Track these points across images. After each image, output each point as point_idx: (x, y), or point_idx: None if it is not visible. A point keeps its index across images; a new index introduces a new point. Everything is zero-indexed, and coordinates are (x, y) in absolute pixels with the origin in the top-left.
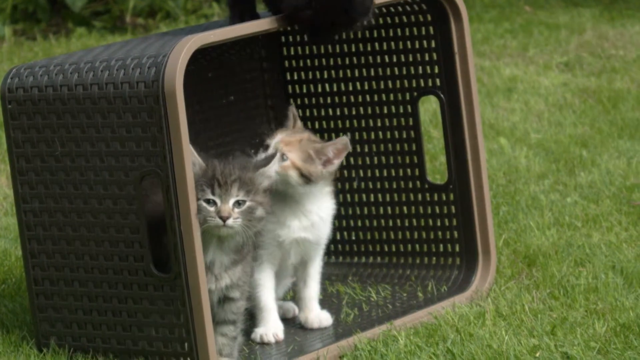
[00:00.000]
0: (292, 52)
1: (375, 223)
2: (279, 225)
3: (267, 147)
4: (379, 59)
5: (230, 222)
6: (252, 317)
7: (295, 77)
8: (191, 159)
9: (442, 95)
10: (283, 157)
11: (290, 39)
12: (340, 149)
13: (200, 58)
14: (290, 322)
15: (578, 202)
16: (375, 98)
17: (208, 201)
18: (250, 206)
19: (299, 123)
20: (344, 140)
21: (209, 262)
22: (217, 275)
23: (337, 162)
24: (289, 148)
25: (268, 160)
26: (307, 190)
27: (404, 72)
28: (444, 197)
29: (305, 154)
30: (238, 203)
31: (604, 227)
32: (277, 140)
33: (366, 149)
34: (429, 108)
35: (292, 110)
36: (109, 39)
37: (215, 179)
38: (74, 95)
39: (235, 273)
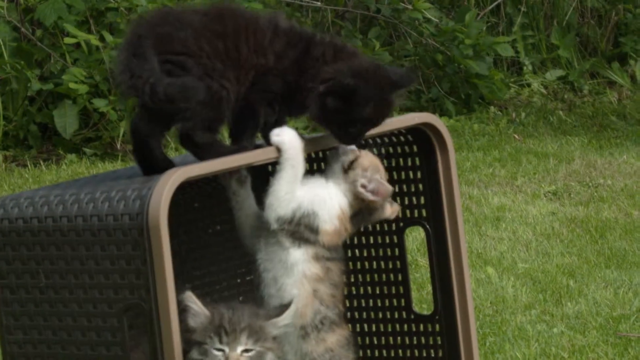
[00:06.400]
0: None
1: (361, 353)
2: None
3: None
4: None
5: None
6: None
7: None
8: (193, 308)
9: (427, 226)
10: None
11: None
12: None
13: (188, 187)
14: None
15: (565, 333)
16: (362, 228)
17: (217, 349)
18: (260, 351)
19: None
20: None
21: None
22: None
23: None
24: None
25: (282, 310)
26: None
27: None
28: (429, 328)
29: None
30: (247, 350)
31: (590, 359)
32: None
33: (352, 279)
34: (417, 237)
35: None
36: (100, 166)
37: (223, 327)
38: (58, 227)
39: None
